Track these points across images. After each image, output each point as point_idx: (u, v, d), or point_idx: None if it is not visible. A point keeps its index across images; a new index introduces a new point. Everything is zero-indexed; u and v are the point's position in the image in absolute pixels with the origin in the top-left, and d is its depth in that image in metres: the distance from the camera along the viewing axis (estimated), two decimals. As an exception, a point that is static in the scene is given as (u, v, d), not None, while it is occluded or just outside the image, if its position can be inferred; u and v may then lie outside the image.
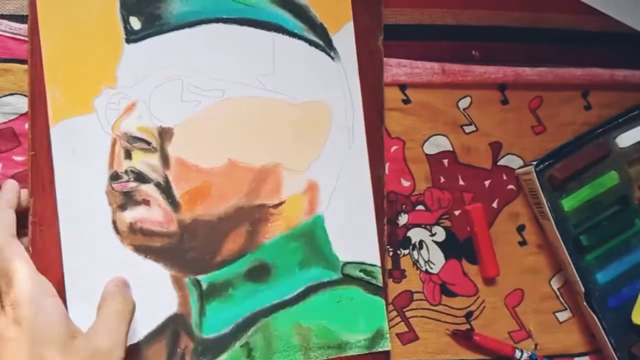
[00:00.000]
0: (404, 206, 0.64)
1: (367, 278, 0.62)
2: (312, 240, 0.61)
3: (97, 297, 0.56)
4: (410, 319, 0.64)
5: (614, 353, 0.64)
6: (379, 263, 0.62)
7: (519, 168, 0.66)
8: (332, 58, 0.62)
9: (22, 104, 0.58)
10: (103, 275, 0.57)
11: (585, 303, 0.64)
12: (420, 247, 0.65)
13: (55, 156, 0.57)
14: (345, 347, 0.61)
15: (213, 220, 0.59)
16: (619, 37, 0.67)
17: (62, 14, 0.58)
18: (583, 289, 0.64)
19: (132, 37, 0.59)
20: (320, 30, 0.62)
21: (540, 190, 0.63)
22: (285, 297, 0.60)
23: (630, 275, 0.65)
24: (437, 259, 0.65)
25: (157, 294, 0.58)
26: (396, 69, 0.64)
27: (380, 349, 0.62)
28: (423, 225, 0.65)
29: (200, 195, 0.59)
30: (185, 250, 0.59)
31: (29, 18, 0.58)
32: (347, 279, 0.61)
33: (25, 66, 0.58)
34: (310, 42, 0.62)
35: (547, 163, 0.64)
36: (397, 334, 0.64)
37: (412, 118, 0.65)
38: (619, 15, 0.66)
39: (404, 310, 0.64)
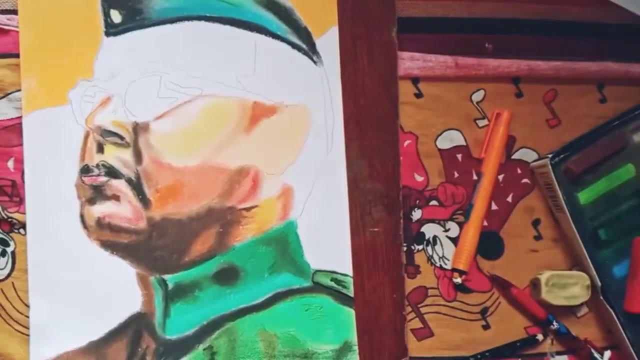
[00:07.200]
0: (417, 201, 0.64)
1: (338, 287, 0.60)
2: (283, 245, 0.60)
3: (61, 290, 0.57)
4: (425, 315, 0.64)
5: (631, 347, 0.63)
6: (350, 273, 0.60)
7: (533, 161, 0.65)
8: (315, 62, 0.61)
9: (34, 99, 0.58)
10: (67, 269, 0.57)
11: (601, 297, 0.63)
12: (434, 243, 0.64)
13: (26, 146, 0.57)
14: (312, 357, 0.60)
15: (183, 219, 0.59)
16: (635, 30, 0.66)
17: (42, 3, 0.58)
18: (599, 284, 0.63)
19: (112, 30, 0.58)
20: (304, 34, 0.61)
21: (555, 183, 0.63)
22: (252, 302, 0.59)
23: (647, 269, 0.64)
24: (451, 255, 0.64)
25: (121, 291, 0.58)
26: (409, 62, 0.63)
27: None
28: (437, 221, 0.64)
29: (171, 193, 0.58)
30: (153, 248, 0.58)
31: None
32: (318, 288, 0.60)
33: (36, 62, 0.58)
34: (293, 45, 0.61)
35: (562, 156, 0.63)
36: (412, 330, 0.64)
37: (425, 112, 0.64)
38: (635, 8, 0.66)
39: (419, 306, 0.64)
